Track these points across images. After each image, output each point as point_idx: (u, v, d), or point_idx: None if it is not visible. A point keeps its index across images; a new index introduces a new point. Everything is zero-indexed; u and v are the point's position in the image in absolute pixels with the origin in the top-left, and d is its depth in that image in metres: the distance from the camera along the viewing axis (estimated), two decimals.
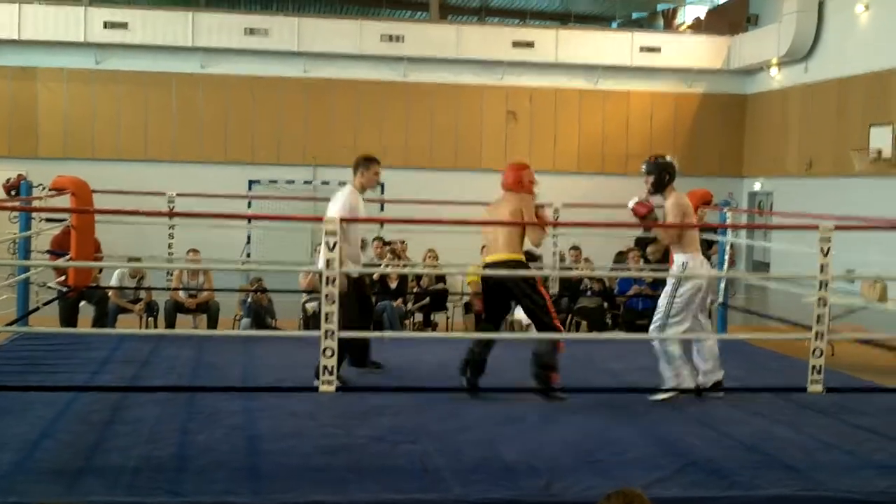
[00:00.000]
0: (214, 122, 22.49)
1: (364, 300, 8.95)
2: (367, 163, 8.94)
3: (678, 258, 8.44)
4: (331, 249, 6.48)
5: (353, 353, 8.65)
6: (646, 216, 8.48)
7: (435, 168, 23.03)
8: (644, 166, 8.68)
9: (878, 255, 11.38)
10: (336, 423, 7.21)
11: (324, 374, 6.47)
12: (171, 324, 12.37)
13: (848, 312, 11.23)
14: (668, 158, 8.72)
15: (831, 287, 7.21)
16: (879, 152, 18.07)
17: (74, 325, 11.69)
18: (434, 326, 13.39)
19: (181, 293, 12.54)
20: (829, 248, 7.08)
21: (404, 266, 13.46)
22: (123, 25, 21.79)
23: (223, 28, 22.20)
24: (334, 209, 8.48)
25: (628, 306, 13.17)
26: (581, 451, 6.65)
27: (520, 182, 8.44)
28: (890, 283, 11.79)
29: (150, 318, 12.69)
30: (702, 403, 8.20)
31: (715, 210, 11.28)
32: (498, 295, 8.43)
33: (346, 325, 7.43)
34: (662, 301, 8.30)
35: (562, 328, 8.26)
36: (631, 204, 8.49)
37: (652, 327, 8.37)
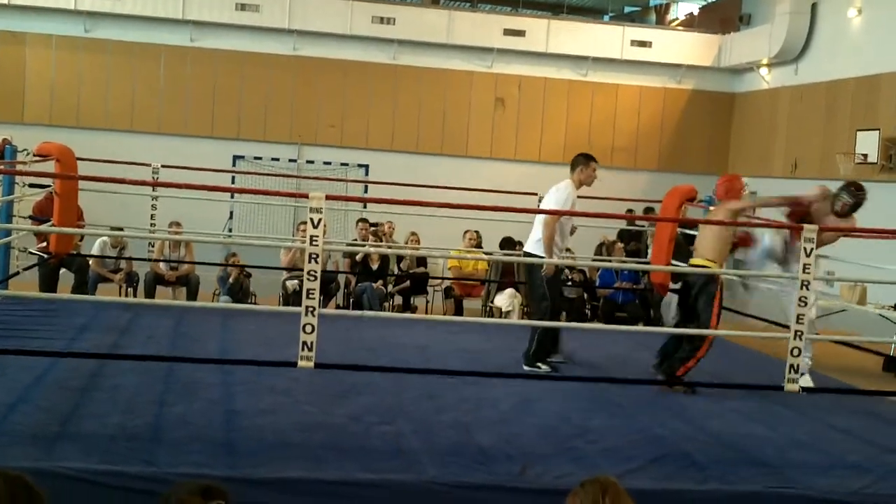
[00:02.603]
0: (201, 95, 22.39)
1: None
2: (587, 160, 9.30)
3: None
4: (315, 226, 6.46)
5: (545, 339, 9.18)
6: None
7: (421, 152, 23.01)
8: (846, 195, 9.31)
9: (858, 258, 11.42)
10: (313, 401, 7.22)
11: (303, 349, 6.46)
12: (150, 295, 12.32)
13: (827, 314, 11.28)
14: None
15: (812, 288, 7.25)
16: (865, 157, 18.14)
17: (54, 291, 11.63)
18: (414, 310, 13.40)
19: (162, 265, 12.50)
20: (811, 250, 7.11)
21: (389, 248, 13.44)
22: None
23: (214, 2, 22.06)
24: (554, 201, 9.13)
25: (608, 298, 13.21)
26: (557, 439, 6.67)
27: (729, 191, 9.05)
28: (869, 286, 11.87)
29: (129, 289, 12.64)
30: (680, 396, 8.24)
31: (699, 207, 11.32)
32: (685, 294, 8.96)
33: (548, 307, 8.82)
34: None
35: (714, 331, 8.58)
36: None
37: None
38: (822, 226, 8.16)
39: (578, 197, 9.26)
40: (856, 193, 9.30)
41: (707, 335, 8.47)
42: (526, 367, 9.01)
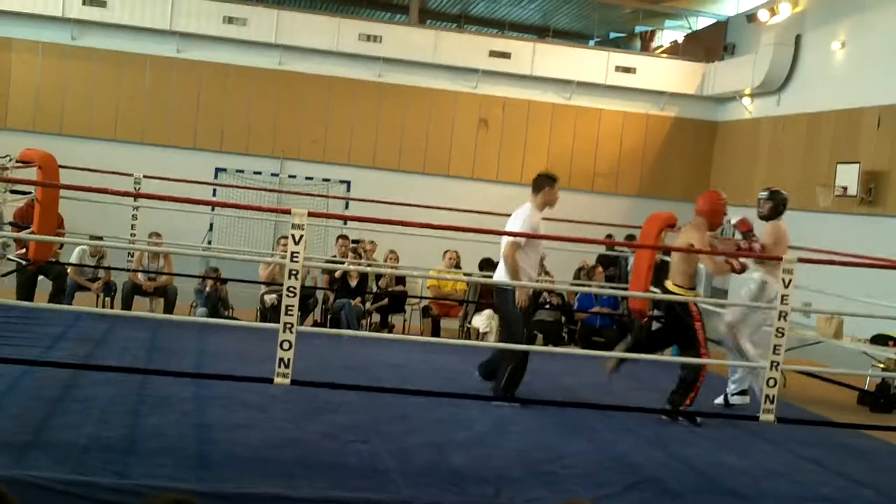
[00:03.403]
0: (186, 107, 22.35)
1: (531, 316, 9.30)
2: (552, 181, 8.96)
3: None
4: (296, 243, 6.46)
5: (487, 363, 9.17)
6: (747, 233, 9.26)
7: (403, 170, 23.02)
8: (766, 193, 9.45)
9: (835, 291, 11.48)
10: (288, 417, 7.21)
11: (280, 366, 6.45)
12: (128, 305, 12.27)
13: (802, 345, 11.32)
14: (785, 194, 9.52)
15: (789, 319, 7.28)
16: (845, 189, 18.25)
17: (31, 298, 11.57)
18: (391, 328, 13.38)
19: (140, 275, 12.45)
20: (790, 280, 7.15)
21: (368, 265, 13.43)
22: (102, 3, 21.59)
23: (202, 14, 22.06)
24: (516, 227, 8.70)
25: (586, 323, 13.23)
26: (531, 462, 6.67)
27: (707, 211, 8.90)
28: (846, 319, 11.92)
29: (107, 298, 12.59)
30: (655, 424, 8.26)
31: (678, 233, 11.34)
32: (668, 319, 9.03)
33: (522, 333, 8.55)
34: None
35: (707, 357, 8.63)
36: (734, 220, 9.24)
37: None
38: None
39: (548, 219, 9.13)
40: (774, 193, 9.46)
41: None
42: (495, 404, 8.50)
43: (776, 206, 9.35)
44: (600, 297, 13.21)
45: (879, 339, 11.18)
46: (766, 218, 9.39)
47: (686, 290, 8.69)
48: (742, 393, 9.26)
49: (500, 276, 8.77)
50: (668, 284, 8.89)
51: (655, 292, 10.02)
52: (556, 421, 7.93)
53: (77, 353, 8.77)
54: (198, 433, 6.60)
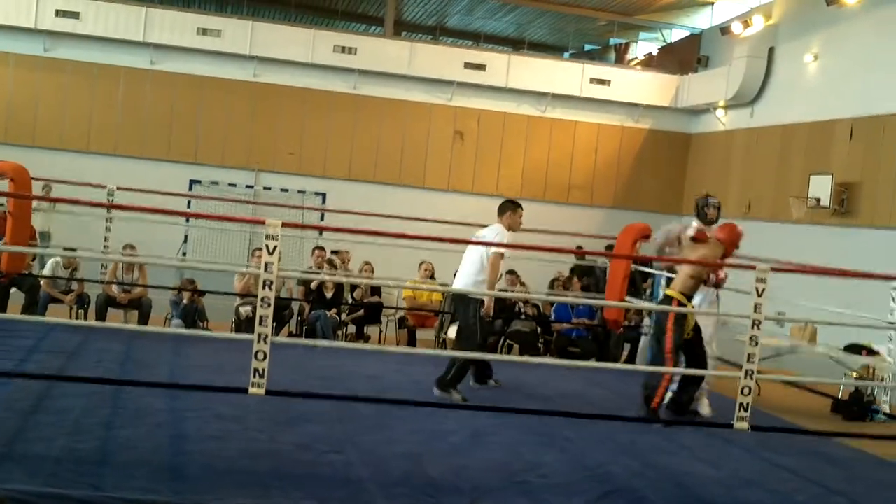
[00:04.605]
0: (160, 118, 22.28)
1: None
2: (515, 207, 9.58)
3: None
4: (270, 253, 6.44)
5: (477, 368, 9.77)
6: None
7: (379, 182, 23.02)
8: (716, 200, 9.88)
9: (807, 301, 11.55)
10: (263, 428, 7.17)
11: (254, 376, 6.42)
12: (101, 317, 12.18)
13: (777, 354, 11.37)
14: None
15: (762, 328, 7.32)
16: (818, 200, 18.36)
17: (4, 310, 11.48)
18: (367, 339, 13.35)
19: (114, 287, 12.38)
20: (763, 290, 7.19)
21: (345, 276, 13.39)
22: (75, 15, 21.54)
23: (176, 26, 22.02)
24: (497, 239, 9.20)
25: (562, 333, 13.23)
26: (506, 472, 6.67)
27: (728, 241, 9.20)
28: (819, 328, 11.98)
29: (80, 310, 12.50)
30: (631, 433, 8.27)
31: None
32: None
33: (478, 343, 9.11)
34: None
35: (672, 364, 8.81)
36: (691, 232, 9.26)
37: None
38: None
39: (523, 230, 9.65)
40: (708, 199, 9.85)
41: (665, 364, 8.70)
42: (437, 392, 9.19)
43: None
44: (576, 308, 13.23)
45: (853, 349, 11.24)
46: (714, 222, 9.64)
47: (683, 297, 8.75)
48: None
49: (463, 282, 9.34)
50: (669, 291, 9.03)
51: (630, 302, 10.07)
52: (532, 431, 7.93)
53: (50, 366, 8.72)
54: (172, 445, 6.56)
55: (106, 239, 12.02)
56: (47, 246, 12.77)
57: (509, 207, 9.54)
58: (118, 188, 12.30)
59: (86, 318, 12.40)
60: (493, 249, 9.06)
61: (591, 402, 9.41)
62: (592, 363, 11.26)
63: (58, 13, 21.48)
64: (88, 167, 19.92)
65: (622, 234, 11.40)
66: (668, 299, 8.89)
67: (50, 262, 12.37)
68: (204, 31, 22.07)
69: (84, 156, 21.47)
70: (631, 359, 12.22)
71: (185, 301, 12.29)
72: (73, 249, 12.07)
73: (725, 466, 7.48)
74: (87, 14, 21.67)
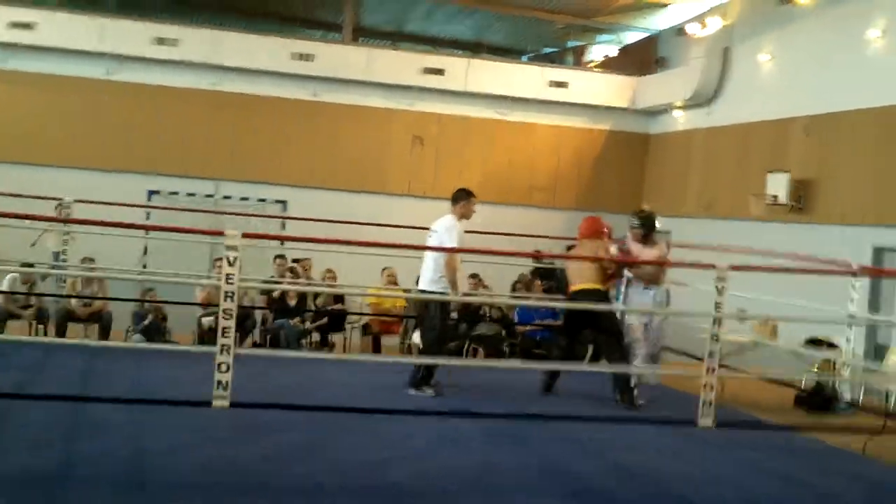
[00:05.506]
0: (117, 129, 22.06)
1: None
2: (468, 196, 10.04)
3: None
4: (231, 264, 6.41)
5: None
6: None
7: (339, 189, 22.95)
8: (636, 219, 10.54)
9: (768, 296, 11.63)
10: (227, 440, 7.12)
11: (218, 388, 6.39)
12: (61, 332, 12.06)
13: (740, 350, 11.43)
14: (648, 209, 10.58)
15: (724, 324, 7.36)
16: (776, 198, 18.49)
17: None
18: (332, 347, 13.32)
19: (74, 302, 12.26)
20: (724, 287, 7.23)
21: (308, 284, 13.35)
22: (30, 26, 21.32)
23: (132, 35, 21.83)
24: (448, 240, 9.49)
25: (526, 336, 13.25)
26: (470, 477, 6.66)
27: (597, 231, 10.35)
28: (780, 325, 12.07)
29: (40, 326, 12.37)
30: (596, 433, 8.29)
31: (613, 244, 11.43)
32: (580, 319, 10.01)
33: (441, 332, 9.57)
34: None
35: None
36: (613, 249, 10.23)
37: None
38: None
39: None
40: (638, 215, 10.61)
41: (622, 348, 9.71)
42: (412, 392, 9.47)
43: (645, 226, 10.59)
44: (539, 310, 13.26)
45: (813, 343, 11.34)
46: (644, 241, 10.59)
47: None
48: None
49: (429, 283, 9.66)
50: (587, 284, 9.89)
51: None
52: (498, 433, 7.93)
53: (9, 382, 8.62)
54: (135, 459, 6.50)
55: (64, 252, 11.91)
56: (2, 261, 12.60)
57: (463, 196, 9.99)
58: (76, 200, 12.19)
59: (45, 334, 12.27)
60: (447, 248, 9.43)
61: (556, 403, 9.44)
62: (556, 364, 11.27)
63: (11, 25, 21.26)
64: (45, 180, 19.66)
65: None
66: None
67: (8, 278, 12.25)
68: (161, 41, 21.90)
69: (40, 168, 21.21)
70: (595, 359, 12.25)
71: (147, 322, 12.17)
72: (31, 265, 11.94)
73: (691, 463, 7.52)
74: (42, 25, 21.44)
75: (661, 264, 9.69)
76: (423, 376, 9.52)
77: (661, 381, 10.85)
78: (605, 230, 10.45)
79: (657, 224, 10.59)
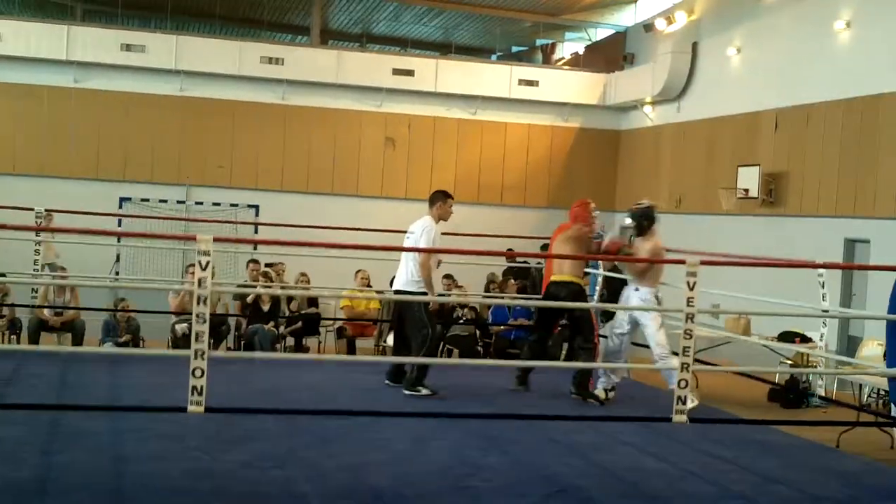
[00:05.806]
0: (86, 137, 21.99)
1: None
2: (445, 197, 10.04)
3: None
4: (203, 269, 6.38)
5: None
6: (617, 251, 10.08)
7: (311, 192, 22.94)
8: (629, 215, 10.19)
9: (741, 291, 11.70)
10: (203, 446, 7.10)
11: (193, 394, 6.36)
12: (34, 341, 11.98)
13: (712, 346, 11.49)
14: (647, 203, 10.13)
15: (697, 320, 7.38)
16: (746, 191, 18.61)
17: None
18: (306, 350, 13.28)
19: (46, 311, 12.18)
20: (695, 283, 7.25)
21: (281, 288, 13.31)
22: None
23: (99, 42, 21.78)
24: (424, 241, 9.57)
25: (501, 336, 13.27)
26: (450, 478, 6.67)
27: (580, 216, 10.17)
28: (752, 318, 12.13)
29: (12, 336, 12.28)
30: (573, 432, 8.30)
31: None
32: (555, 309, 10.06)
33: (432, 329, 9.49)
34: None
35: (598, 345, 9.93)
36: (606, 241, 10.09)
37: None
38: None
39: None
40: (630, 209, 10.23)
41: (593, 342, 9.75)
42: (407, 392, 9.45)
43: (640, 223, 10.17)
44: (514, 310, 13.27)
45: (786, 336, 11.40)
46: (638, 236, 10.28)
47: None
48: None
49: (406, 283, 9.68)
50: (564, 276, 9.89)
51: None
52: (475, 434, 7.94)
53: None
54: (112, 467, 6.47)
55: (35, 262, 11.83)
56: None
57: (439, 198, 10.00)
58: (46, 210, 12.12)
59: (18, 343, 12.19)
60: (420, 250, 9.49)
61: (533, 402, 9.46)
62: (532, 363, 11.29)
63: None
64: (15, 189, 19.60)
65: (557, 231, 11.39)
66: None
67: None
68: (128, 47, 21.85)
69: (9, 178, 21.12)
70: (569, 358, 12.27)
71: (121, 340, 12.05)
72: (3, 274, 11.87)
73: (667, 460, 7.55)
74: (8, 34, 21.36)
75: (638, 261, 9.58)
76: (417, 377, 9.50)
77: (629, 375, 10.93)
78: (591, 216, 10.30)
79: (654, 217, 10.20)
